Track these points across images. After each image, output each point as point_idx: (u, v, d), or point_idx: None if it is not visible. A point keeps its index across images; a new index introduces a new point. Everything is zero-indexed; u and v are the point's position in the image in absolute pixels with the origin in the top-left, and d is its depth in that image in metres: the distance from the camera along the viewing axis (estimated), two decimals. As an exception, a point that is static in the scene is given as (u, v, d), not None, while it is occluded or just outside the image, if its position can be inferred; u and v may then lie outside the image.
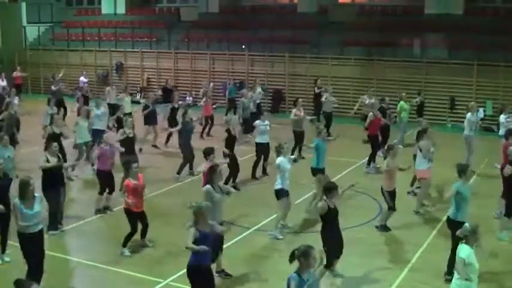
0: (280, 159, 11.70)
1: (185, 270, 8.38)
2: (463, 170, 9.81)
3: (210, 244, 8.09)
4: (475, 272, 7.57)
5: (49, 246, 11.16)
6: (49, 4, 35.74)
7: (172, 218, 12.63)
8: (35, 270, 9.12)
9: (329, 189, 9.43)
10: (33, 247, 9.12)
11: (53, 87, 24.10)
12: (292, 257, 6.77)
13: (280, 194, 11.73)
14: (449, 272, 9.42)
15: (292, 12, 29.91)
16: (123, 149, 13.99)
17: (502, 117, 16.89)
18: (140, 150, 17.87)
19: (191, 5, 33.33)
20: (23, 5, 34.25)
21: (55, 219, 11.86)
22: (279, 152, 11.83)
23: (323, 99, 21.03)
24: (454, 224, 9.43)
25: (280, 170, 11.67)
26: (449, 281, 9.27)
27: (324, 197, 9.41)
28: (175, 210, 12.93)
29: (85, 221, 12.80)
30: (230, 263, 10.49)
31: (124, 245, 11.01)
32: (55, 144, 12.16)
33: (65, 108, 22.85)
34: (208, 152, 12.03)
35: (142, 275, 10.08)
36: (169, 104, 20.63)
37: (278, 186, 11.71)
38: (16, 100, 20.49)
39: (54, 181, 11.75)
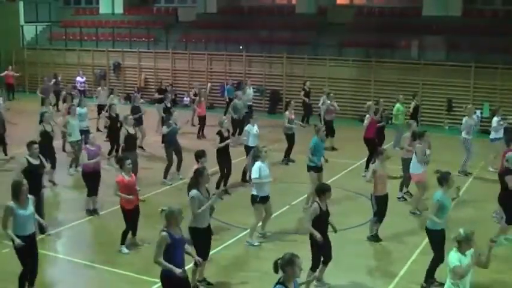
0: (258, 165, 11.28)
1: None
2: (444, 179, 9.52)
3: (183, 248, 7.95)
4: (466, 277, 7.45)
5: (45, 246, 11.18)
6: (47, 3, 35.72)
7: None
8: (29, 272, 9.05)
9: (322, 191, 9.17)
10: (28, 249, 8.91)
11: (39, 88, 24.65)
12: (276, 267, 6.38)
13: (253, 200, 11.31)
14: (430, 279, 9.47)
15: (290, 13, 29.91)
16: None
17: (495, 120, 16.82)
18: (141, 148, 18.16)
19: (189, 5, 33.33)
20: (21, 4, 34.19)
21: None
22: (257, 156, 11.50)
23: (320, 103, 20.79)
24: (433, 233, 9.44)
25: (256, 177, 11.20)
26: None
27: (317, 199, 9.22)
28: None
29: (81, 221, 12.73)
30: (227, 264, 10.53)
31: (122, 243, 11.03)
32: (35, 145, 11.84)
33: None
34: (199, 155, 11.77)
35: (139, 275, 10.03)
36: (163, 103, 20.60)
37: (253, 191, 11.29)
38: (1, 100, 20.41)
39: (35, 184, 11.29)
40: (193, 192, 9.27)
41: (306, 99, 23.11)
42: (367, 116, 16.40)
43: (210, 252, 9.73)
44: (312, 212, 9.06)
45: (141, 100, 21.02)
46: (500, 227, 11.48)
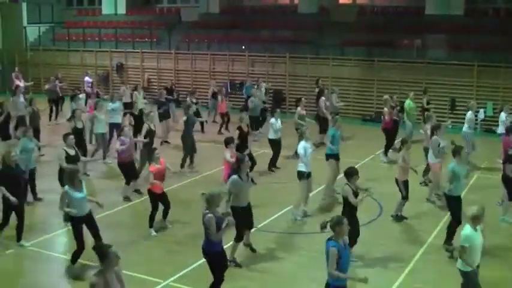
0: (303, 144, 12.68)
1: (185, 271, 9.58)
2: (457, 151, 11.14)
3: (221, 227, 8.59)
4: (477, 249, 8.10)
5: (47, 247, 11.24)
6: (50, 4, 35.80)
7: (174, 216, 12.60)
8: (81, 250, 9.99)
9: (350, 173, 10.14)
10: (87, 224, 10.00)
11: (46, 86, 25.21)
12: (324, 227, 7.44)
13: (301, 175, 12.61)
14: (449, 240, 10.85)
15: (292, 12, 29.94)
16: (147, 140, 14.94)
17: (503, 116, 17.45)
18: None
19: (192, 6, 33.36)
20: (24, 5, 34.26)
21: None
22: (302, 137, 13.10)
23: (334, 102, 20.80)
24: (450, 199, 10.98)
25: (302, 154, 12.53)
26: (448, 251, 10.68)
27: (346, 182, 10.10)
28: (178, 209, 12.91)
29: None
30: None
31: (150, 226, 11.76)
32: (71, 136, 12.91)
33: (56, 107, 24.23)
34: (228, 141, 13.20)
35: (142, 275, 10.05)
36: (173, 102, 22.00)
37: (300, 168, 12.63)
38: (22, 98, 20.79)
39: None
40: (234, 177, 10.32)
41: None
42: (385, 109, 17.86)
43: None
44: (348, 191, 9.99)
45: (145, 100, 21.61)
46: (503, 206, 12.64)
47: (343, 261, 7.22)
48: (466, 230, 8.11)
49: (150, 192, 11.95)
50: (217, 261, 8.82)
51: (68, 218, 11.57)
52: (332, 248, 7.15)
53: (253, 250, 10.92)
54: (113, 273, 6.54)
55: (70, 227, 10.64)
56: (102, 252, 6.60)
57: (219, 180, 14.07)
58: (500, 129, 17.36)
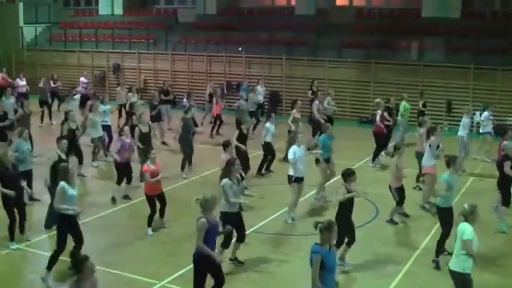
0: (294, 148, 12.52)
1: (181, 272, 9.31)
2: (451, 161, 10.69)
3: (216, 233, 8.52)
4: (475, 247, 7.99)
5: (41, 247, 11.18)
6: (46, 5, 35.76)
7: (171, 216, 12.57)
8: (61, 252, 9.69)
9: (348, 174, 10.09)
10: (69, 228, 9.71)
11: (40, 85, 25.23)
12: (316, 227, 7.28)
13: (289, 179, 12.57)
14: (437, 255, 10.36)
15: (290, 14, 29.93)
16: (144, 147, 14.62)
17: (486, 115, 17.86)
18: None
19: (189, 7, 33.33)
20: (21, 5, 34.23)
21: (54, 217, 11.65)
22: (293, 141, 12.95)
23: (325, 104, 20.72)
24: (440, 210, 10.48)
25: (291, 158, 12.44)
26: (433, 261, 10.37)
27: (344, 182, 10.03)
28: (175, 210, 12.88)
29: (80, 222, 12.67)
30: (226, 264, 10.50)
31: (149, 225, 11.83)
32: (64, 141, 12.61)
33: (49, 109, 24.30)
34: (226, 144, 12.96)
35: (137, 276, 10.02)
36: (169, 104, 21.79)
37: (289, 172, 12.58)
38: (11, 99, 20.60)
39: None
40: (224, 180, 10.05)
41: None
42: (378, 111, 17.58)
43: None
44: (342, 194, 9.96)
45: (142, 101, 21.55)
46: (498, 212, 12.32)
47: (328, 265, 7.10)
48: (467, 227, 7.95)
49: (146, 194, 11.96)
50: (203, 267, 8.32)
51: (51, 224, 11.48)
52: (316, 254, 7.04)
53: (240, 263, 10.53)
54: (87, 284, 6.32)
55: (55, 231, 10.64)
56: (79, 264, 6.31)
57: (216, 180, 14.01)
58: (482, 129, 18.00)
